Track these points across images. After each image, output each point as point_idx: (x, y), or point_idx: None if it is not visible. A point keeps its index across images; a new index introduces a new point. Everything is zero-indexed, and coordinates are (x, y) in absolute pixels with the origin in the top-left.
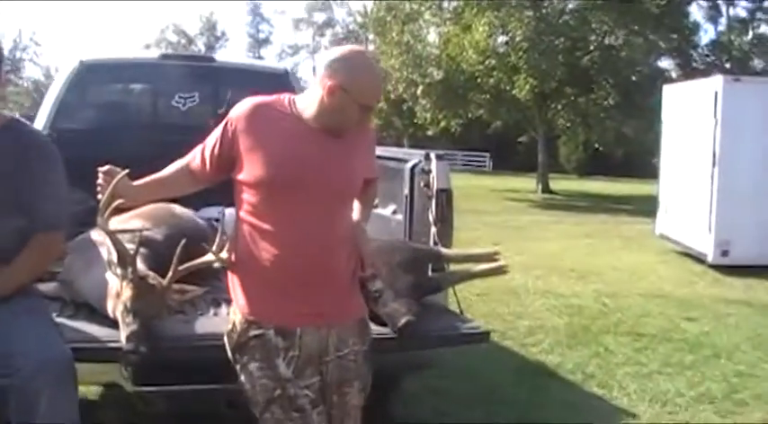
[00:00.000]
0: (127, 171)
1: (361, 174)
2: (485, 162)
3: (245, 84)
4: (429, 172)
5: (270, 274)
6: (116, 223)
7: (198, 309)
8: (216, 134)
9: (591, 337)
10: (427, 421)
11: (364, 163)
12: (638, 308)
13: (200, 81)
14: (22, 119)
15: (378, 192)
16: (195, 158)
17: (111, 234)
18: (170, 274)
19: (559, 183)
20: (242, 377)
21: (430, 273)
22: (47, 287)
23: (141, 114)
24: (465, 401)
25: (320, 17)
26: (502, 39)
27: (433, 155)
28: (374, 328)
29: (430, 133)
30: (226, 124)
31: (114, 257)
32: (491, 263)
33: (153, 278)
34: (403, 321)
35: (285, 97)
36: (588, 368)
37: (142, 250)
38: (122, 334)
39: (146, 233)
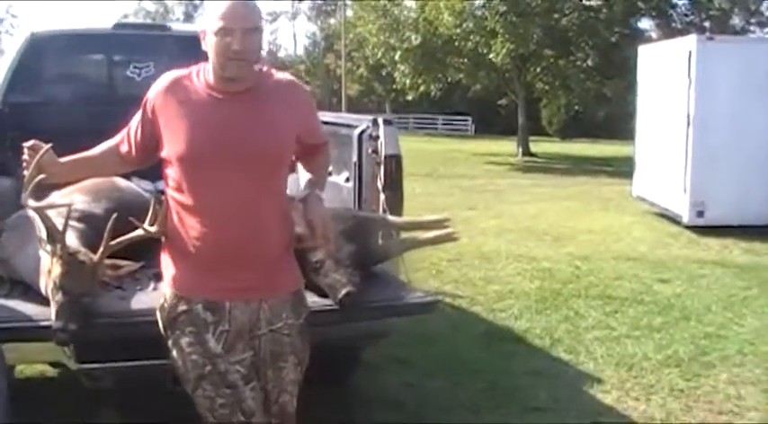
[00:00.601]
0: (50, 146)
1: (291, 138)
2: (467, 126)
3: (201, 53)
4: (377, 137)
5: (196, 249)
6: (57, 197)
7: (138, 284)
8: (138, 116)
9: (561, 301)
10: (391, 392)
11: (298, 127)
12: (610, 271)
13: (156, 50)
14: None
15: (330, 159)
16: (123, 141)
17: (39, 210)
18: (101, 249)
19: (541, 146)
20: (173, 353)
21: (379, 241)
22: None
23: (95, 86)
24: (429, 371)
25: None
26: (479, 2)
27: (380, 120)
28: (315, 300)
29: (410, 98)
30: (144, 104)
31: (44, 233)
32: (441, 230)
33: (84, 253)
34: (343, 292)
35: (201, 66)
36: (556, 333)
37: (81, 225)
38: (52, 312)
39: (86, 207)
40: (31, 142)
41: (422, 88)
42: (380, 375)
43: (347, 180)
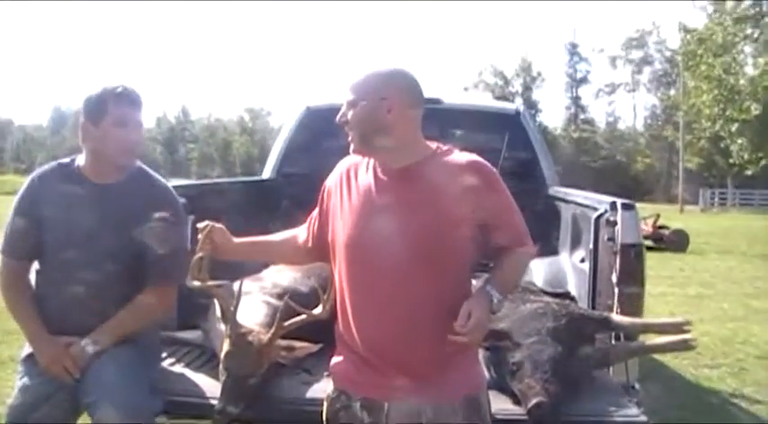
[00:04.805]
0: (220, 226)
1: (462, 227)
2: None
3: (472, 126)
4: (615, 223)
5: (354, 342)
6: (268, 273)
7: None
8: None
9: None
10: None
11: (478, 216)
12: None
13: (426, 123)
14: (148, 169)
15: (567, 237)
16: (303, 229)
17: (209, 288)
18: (272, 330)
19: None
20: None
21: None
22: (192, 334)
23: None
24: None
25: (637, 54)
26: None
27: (619, 204)
28: (508, 407)
29: (749, 173)
30: (322, 192)
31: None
32: (677, 336)
33: (255, 334)
34: (533, 401)
35: None
36: None
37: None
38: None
39: (292, 284)
40: (203, 223)
41: (763, 162)
42: None
43: (582, 260)
